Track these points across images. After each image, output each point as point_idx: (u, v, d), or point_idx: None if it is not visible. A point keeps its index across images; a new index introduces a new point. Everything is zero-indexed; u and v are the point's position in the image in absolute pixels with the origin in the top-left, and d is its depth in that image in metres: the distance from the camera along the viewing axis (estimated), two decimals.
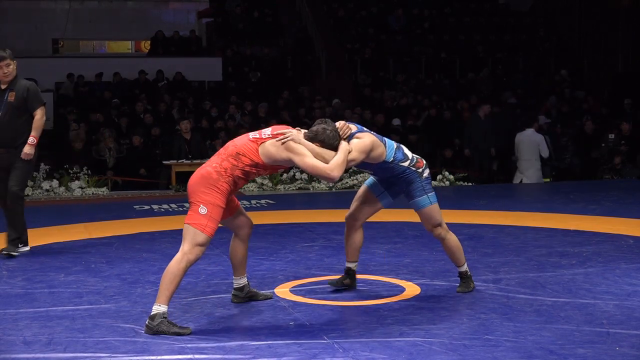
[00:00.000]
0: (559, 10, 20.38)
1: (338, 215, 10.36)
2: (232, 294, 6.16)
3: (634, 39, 15.91)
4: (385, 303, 6.24)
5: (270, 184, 13.26)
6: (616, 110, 15.76)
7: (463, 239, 8.60)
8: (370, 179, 6.39)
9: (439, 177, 13.73)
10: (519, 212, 10.41)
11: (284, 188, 13.30)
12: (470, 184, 13.83)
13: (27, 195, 12.53)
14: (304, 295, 6.50)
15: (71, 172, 13.09)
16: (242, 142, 5.44)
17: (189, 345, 4.99)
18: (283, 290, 6.63)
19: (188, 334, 5.09)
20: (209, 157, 13.71)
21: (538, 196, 11.96)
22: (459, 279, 6.87)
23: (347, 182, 13.41)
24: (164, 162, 13.61)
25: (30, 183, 12.71)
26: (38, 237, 9.20)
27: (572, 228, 9.26)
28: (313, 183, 13.42)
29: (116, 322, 5.52)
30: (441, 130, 15.37)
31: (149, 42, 19.23)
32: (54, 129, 15.73)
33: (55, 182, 12.84)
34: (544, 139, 13.90)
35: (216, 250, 8.03)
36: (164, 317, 5.07)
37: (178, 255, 5.25)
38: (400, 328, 5.62)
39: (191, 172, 12.82)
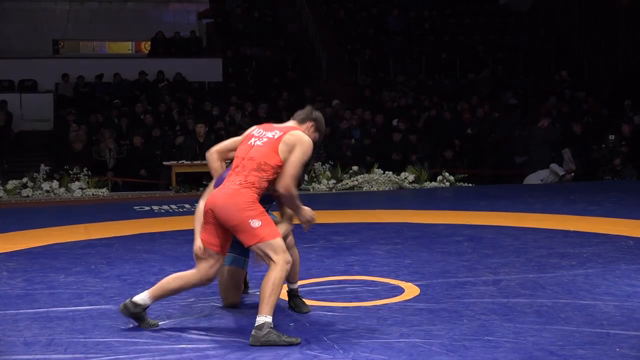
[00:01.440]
0: (559, 10, 20.38)
1: (338, 216, 10.39)
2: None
3: (634, 39, 15.91)
4: (385, 304, 6.23)
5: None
6: (616, 111, 15.75)
7: (463, 240, 8.64)
8: None
9: (439, 177, 13.71)
10: (519, 212, 10.40)
11: None
12: (470, 184, 13.82)
13: (27, 196, 12.57)
14: (303, 297, 6.50)
15: (71, 173, 13.09)
16: (258, 152, 5.12)
17: (189, 346, 5.00)
18: (283, 292, 6.63)
19: (298, 344, 4.93)
20: (203, 157, 13.64)
21: (538, 197, 11.94)
22: (454, 280, 6.88)
23: (347, 183, 13.39)
24: (164, 162, 13.62)
25: (30, 184, 12.70)
26: (38, 237, 9.20)
27: (572, 229, 9.25)
28: (313, 184, 13.41)
29: (116, 323, 5.51)
30: (441, 131, 15.37)
31: (149, 43, 19.24)
32: (54, 129, 15.73)
33: (55, 183, 12.84)
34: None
35: None
36: (271, 327, 4.88)
37: (276, 267, 4.97)
38: (400, 329, 5.62)
39: (191, 173, 12.71)
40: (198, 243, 5.30)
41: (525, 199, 11.74)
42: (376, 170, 13.75)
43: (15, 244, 8.85)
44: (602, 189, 13.03)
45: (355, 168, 13.82)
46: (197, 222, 5.48)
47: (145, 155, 14.10)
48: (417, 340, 5.36)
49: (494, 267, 7.45)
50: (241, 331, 5.66)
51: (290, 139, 5.09)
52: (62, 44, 19.42)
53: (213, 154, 5.56)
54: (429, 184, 13.57)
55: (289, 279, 5.83)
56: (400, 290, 6.64)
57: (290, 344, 4.82)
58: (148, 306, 5.33)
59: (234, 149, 5.40)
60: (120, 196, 13.00)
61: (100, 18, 19.53)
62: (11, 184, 12.73)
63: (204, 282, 5.36)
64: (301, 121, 5.39)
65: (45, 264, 7.83)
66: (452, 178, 13.75)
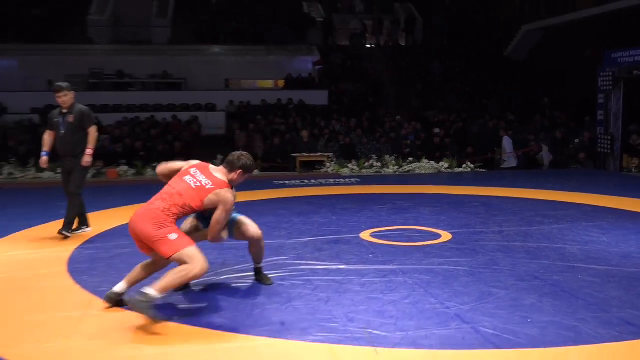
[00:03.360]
0: (543, 58, 19.83)
1: (400, 189, 10.43)
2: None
3: (590, 77, 15.43)
4: (429, 244, 6.28)
5: (357, 169, 13.31)
6: (580, 124, 15.37)
7: (479, 206, 8.57)
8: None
9: (464, 165, 13.57)
10: (515, 188, 10.25)
11: (366, 171, 13.33)
12: (484, 170, 13.65)
13: None
14: (379, 238, 6.56)
15: None
16: (187, 193, 4.19)
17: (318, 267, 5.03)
18: (366, 234, 6.70)
19: (158, 322, 3.93)
20: (316, 151, 13.64)
21: (528, 178, 11.76)
22: (473, 230, 6.82)
23: (405, 169, 13.39)
24: (292, 154, 13.80)
25: None
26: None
27: (550, 199, 9.09)
28: (384, 169, 13.40)
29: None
30: (464, 136, 15.19)
31: (283, 80, 19.43)
32: (226, 134, 16.04)
33: None
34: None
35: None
36: (152, 301, 3.88)
37: (189, 268, 3.97)
38: (439, 260, 5.66)
39: (307, 161, 12.65)
40: None
41: (519, 180, 11.56)
42: (424, 160, 13.69)
43: None
44: (571, 174, 12.76)
45: (410, 159, 13.77)
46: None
47: (281, 150, 14.28)
48: (449, 267, 5.39)
49: (498, 222, 7.40)
50: (338, 259, 5.73)
51: (214, 199, 4.16)
52: (230, 81, 19.74)
53: (160, 170, 4.65)
54: (457, 170, 13.45)
55: (255, 259, 4.96)
56: (438, 236, 6.66)
57: (154, 319, 3.91)
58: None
59: (172, 173, 4.46)
60: (265, 175, 13.21)
61: (253, 65, 19.79)
62: None
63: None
64: (231, 169, 4.36)
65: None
66: (472, 166, 13.61)
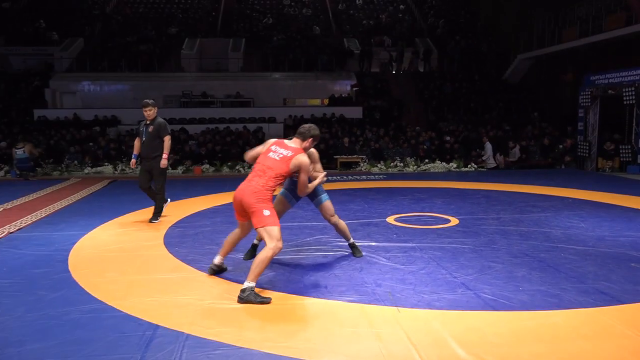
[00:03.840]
0: (534, 81, 19.26)
1: (418, 184, 10.27)
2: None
3: (572, 95, 14.92)
4: (440, 227, 6.18)
5: (384, 168, 13.18)
6: (564, 133, 14.86)
7: (481, 197, 8.38)
8: (282, 190, 4.78)
9: (469, 166, 13.26)
10: (511, 184, 9.99)
11: (391, 170, 13.19)
12: (485, 169, 13.31)
13: None
14: (401, 222, 6.49)
15: None
16: (275, 164, 3.99)
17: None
18: (391, 219, 6.64)
19: (269, 302, 3.72)
20: (353, 154, 13.53)
21: (520, 176, 11.43)
22: (476, 216, 6.66)
23: (422, 168, 13.14)
24: (335, 156, 13.74)
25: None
26: None
27: (538, 192, 8.84)
28: (405, 168, 13.23)
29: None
30: (469, 142, 14.86)
31: (327, 99, 19.39)
32: None
33: None
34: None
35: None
36: (252, 290, 3.75)
37: (268, 248, 3.78)
38: (448, 239, 5.57)
39: (346, 162, 12.49)
40: None
41: (514, 177, 11.26)
42: (437, 161, 13.46)
43: None
44: (557, 173, 12.35)
45: (426, 160, 13.56)
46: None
47: (326, 152, 14.21)
48: (456, 245, 5.29)
49: (497, 210, 7.23)
50: (366, 237, 5.70)
51: (296, 162, 3.98)
52: (287, 100, 19.82)
53: (248, 157, 4.27)
54: (463, 169, 13.17)
55: (345, 236, 4.92)
56: (448, 221, 6.55)
57: (263, 303, 3.70)
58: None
59: (257, 155, 4.19)
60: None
61: (305, 87, 19.78)
62: None
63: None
64: (304, 138, 4.15)
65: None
66: (475, 166, 13.31)
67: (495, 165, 13.42)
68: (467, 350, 2.99)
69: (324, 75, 19.86)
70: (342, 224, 4.88)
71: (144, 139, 6.40)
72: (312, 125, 4.27)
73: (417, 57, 21.04)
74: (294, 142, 4.16)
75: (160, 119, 6.45)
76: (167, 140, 6.40)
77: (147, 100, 6.46)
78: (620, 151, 12.30)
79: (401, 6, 25.50)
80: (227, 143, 14.71)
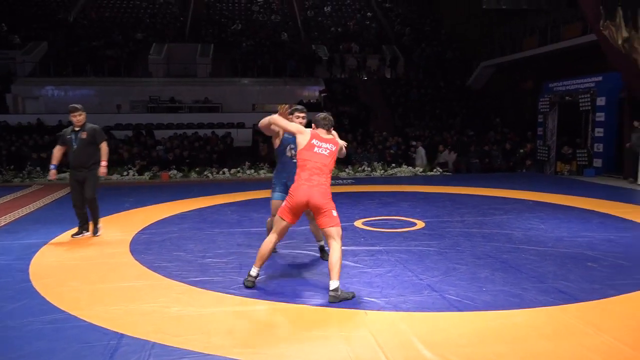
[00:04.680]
0: (496, 87, 19.73)
1: (385, 188, 10.35)
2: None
3: (532, 102, 15.34)
4: (407, 231, 6.23)
5: (352, 172, 13.22)
6: (524, 138, 15.24)
7: (446, 201, 8.49)
8: (280, 195, 4.73)
9: (434, 170, 13.45)
10: (475, 187, 10.17)
11: (359, 174, 13.24)
12: (450, 173, 13.53)
13: (240, 176, 12.80)
14: (368, 226, 6.51)
15: (260, 164, 13.31)
16: (327, 161, 3.99)
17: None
18: (358, 223, 6.66)
19: (353, 297, 3.81)
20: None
21: (483, 180, 11.64)
22: (441, 219, 6.75)
23: (389, 172, 13.24)
24: None
25: (241, 171, 12.91)
26: (244, 196, 9.35)
27: (501, 195, 9.02)
28: (373, 172, 13.31)
29: None
30: (435, 147, 15.08)
31: (296, 104, 19.37)
32: (253, 145, 15.99)
33: (252, 170, 13.04)
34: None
35: None
36: (339, 287, 3.79)
37: (338, 247, 3.83)
38: (414, 242, 5.61)
39: None
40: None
41: (478, 180, 11.45)
42: (403, 166, 13.60)
43: (234, 198, 9.01)
44: (518, 176, 12.65)
45: (393, 165, 13.69)
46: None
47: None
48: (422, 248, 5.33)
49: (461, 213, 7.33)
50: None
51: (341, 151, 4.18)
52: (256, 105, 19.71)
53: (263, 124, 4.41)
54: (429, 173, 13.35)
55: (318, 238, 4.97)
56: (414, 224, 6.60)
57: (353, 296, 3.81)
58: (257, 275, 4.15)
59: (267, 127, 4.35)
60: None
61: (273, 93, 19.72)
62: (233, 171, 13.03)
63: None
64: (329, 128, 4.10)
65: (249, 207, 8.01)
66: (440, 170, 13.51)
67: (424, 169, 13.50)
68: (432, 351, 3.01)
69: (292, 81, 19.86)
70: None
71: (74, 146, 5.80)
72: (328, 116, 4.17)
73: (384, 64, 21.29)
74: (324, 133, 4.07)
75: (92, 125, 5.93)
76: (105, 146, 5.89)
77: (75, 105, 5.85)
78: (577, 155, 12.69)
79: (368, 14, 25.78)
80: (195, 148, 14.52)
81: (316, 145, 3.98)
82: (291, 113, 4.60)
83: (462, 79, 20.59)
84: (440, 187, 10.41)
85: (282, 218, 3.97)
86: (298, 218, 4.01)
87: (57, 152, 5.92)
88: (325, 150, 3.98)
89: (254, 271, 4.11)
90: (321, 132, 4.09)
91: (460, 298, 3.83)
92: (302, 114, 4.67)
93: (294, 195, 3.89)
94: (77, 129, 5.82)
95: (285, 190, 4.58)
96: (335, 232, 3.84)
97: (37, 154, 13.30)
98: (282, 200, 4.42)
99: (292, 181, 4.12)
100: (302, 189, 3.87)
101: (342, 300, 3.76)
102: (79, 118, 5.79)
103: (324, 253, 4.96)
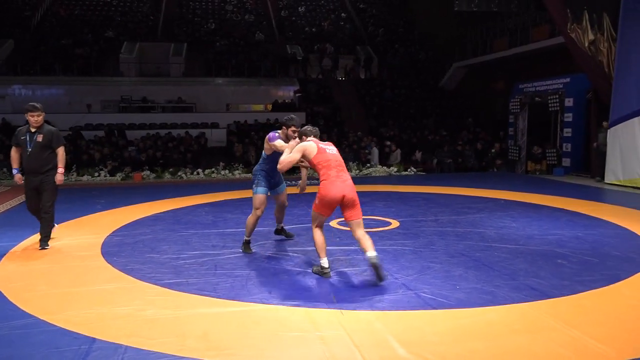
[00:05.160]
0: (468, 88, 20.03)
1: (361, 188, 10.35)
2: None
3: (502, 104, 15.63)
4: (382, 230, 6.26)
5: None
6: (495, 138, 15.51)
7: (420, 200, 8.58)
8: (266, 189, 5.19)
9: (409, 169, 13.58)
10: (449, 187, 10.30)
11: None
12: (424, 173, 13.68)
13: (214, 176, 12.68)
14: (344, 226, 6.52)
15: (234, 165, 13.23)
16: (339, 158, 4.45)
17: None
18: (334, 223, 6.68)
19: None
20: None
21: (456, 179, 11.80)
22: (416, 218, 6.82)
23: (364, 172, 13.32)
24: None
25: (216, 172, 12.80)
26: (217, 197, 9.26)
27: (474, 195, 9.16)
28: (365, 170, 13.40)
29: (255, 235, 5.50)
30: (411, 145, 15.23)
31: (271, 104, 19.31)
32: (226, 146, 15.88)
33: (226, 171, 12.96)
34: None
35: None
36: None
37: (363, 228, 4.28)
38: (389, 242, 5.65)
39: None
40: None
41: (451, 180, 11.61)
42: (378, 166, 13.70)
43: (209, 199, 8.94)
44: (489, 176, 12.86)
45: (368, 165, 13.76)
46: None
47: None
48: (397, 247, 5.37)
49: (435, 212, 7.41)
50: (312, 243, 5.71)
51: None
52: (230, 105, 19.57)
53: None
54: (403, 173, 13.47)
55: (279, 222, 5.63)
56: (389, 224, 6.65)
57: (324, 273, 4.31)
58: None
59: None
60: None
61: (247, 93, 19.62)
62: (207, 171, 12.93)
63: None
64: (319, 135, 4.71)
65: (223, 208, 7.94)
66: (415, 170, 13.65)
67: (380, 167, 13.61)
68: (407, 349, 3.04)
69: (267, 81, 19.78)
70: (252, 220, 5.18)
71: (29, 149, 5.32)
72: (313, 128, 4.68)
73: (358, 64, 21.39)
74: (317, 138, 4.57)
75: (51, 127, 5.50)
76: (62, 151, 5.41)
77: (34, 104, 5.39)
78: (547, 155, 12.99)
79: (343, 14, 25.86)
80: (168, 149, 14.34)
81: (324, 148, 4.39)
82: (287, 126, 4.97)
83: (435, 79, 20.84)
84: (414, 186, 10.51)
85: (320, 214, 4.34)
86: (333, 211, 4.34)
87: (14, 154, 5.48)
88: (333, 150, 4.43)
89: (325, 262, 4.33)
90: (316, 140, 4.51)
91: (434, 296, 3.87)
92: (295, 127, 4.99)
93: (330, 192, 4.22)
94: (33, 130, 5.36)
95: (269, 186, 5.15)
96: (362, 221, 4.29)
97: (2, 155, 12.92)
98: (266, 194, 5.02)
99: (273, 176, 5.06)
100: (337, 185, 4.22)
101: (381, 265, 4.08)
102: (37, 119, 5.33)
103: (284, 233, 5.68)
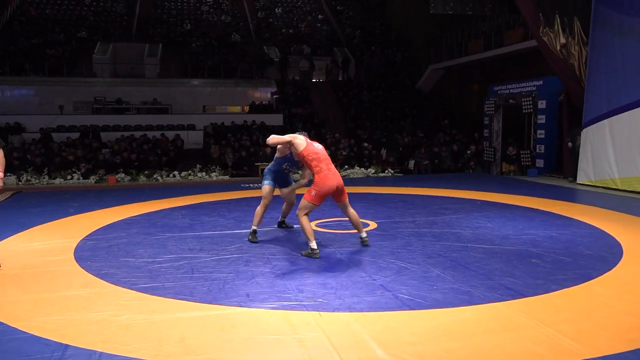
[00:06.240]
0: (444, 90, 20.28)
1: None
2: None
3: (478, 106, 15.86)
4: None
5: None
6: (471, 139, 15.72)
7: (397, 201, 8.64)
8: (271, 182, 5.96)
9: (386, 171, 13.67)
10: (426, 188, 10.39)
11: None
12: (401, 174, 13.78)
13: (191, 179, 12.56)
14: (322, 227, 6.54)
15: (211, 167, 13.13)
16: (326, 153, 5.25)
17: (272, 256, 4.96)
18: (315, 224, 6.67)
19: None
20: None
21: (433, 181, 11.91)
22: (393, 220, 6.87)
23: (342, 173, 13.34)
24: (256, 163, 13.63)
25: (192, 174, 12.67)
26: (196, 199, 9.19)
27: (450, 195, 9.26)
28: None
29: (234, 240, 5.47)
30: (390, 146, 15.33)
31: (248, 106, 19.23)
32: (203, 148, 15.76)
33: (203, 173, 12.87)
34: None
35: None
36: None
37: (351, 208, 5.34)
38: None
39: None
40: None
41: (428, 181, 11.71)
42: (356, 167, 13.76)
43: (185, 202, 8.86)
44: (465, 177, 13.02)
45: (346, 166, 13.81)
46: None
47: (247, 160, 14.10)
48: (375, 249, 5.41)
49: (412, 214, 7.47)
50: (289, 240, 5.70)
51: None
52: (206, 107, 19.41)
53: (273, 141, 5.20)
54: (381, 174, 13.56)
55: (284, 215, 6.38)
56: (367, 225, 6.68)
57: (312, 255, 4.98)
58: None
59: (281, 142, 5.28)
60: (234, 180, 13.01)
61: (224, 94, 19.50)
62: (184, 174, 12.80)
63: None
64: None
65: (200, 211, 7.88)
66: (392, 171, 13.74)
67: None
68: (385, 350, 3.06)
69: (244, 83, 19.69)
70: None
71: None
72: (302, 133, 5.31)
73: (335, 66, 21.45)
74: (308, 139, 5.24)
75: None
76: (1, 155, 4.86)
77: None
78: (521, 156, 13.23)
79: (320, 16, 25.92)
80: (144, 151, 14.15)
81: (314, 143, 5.08)
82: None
83: (412, 81, 21.03)
84: (392, 188, 10.59)
85: (313, 203, 4.97)
86: (323, 201, 5.05)
87: None
88: (320, 146, 5.09)
89: (314, 244, 4.94)
90: (305, 138, 5.15)
91: (412, 297, 3.91)
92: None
93: (327, 182, 4.93)
94: None
95: (275, 181, 5.87)
96: (348, 201, 5.23)
97: None
98: (272, 186, 5.79)
99: (281, 177, 5.87)
100: (331, 177, 4.97)
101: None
102: None
103: (284, 225, 6.31)
